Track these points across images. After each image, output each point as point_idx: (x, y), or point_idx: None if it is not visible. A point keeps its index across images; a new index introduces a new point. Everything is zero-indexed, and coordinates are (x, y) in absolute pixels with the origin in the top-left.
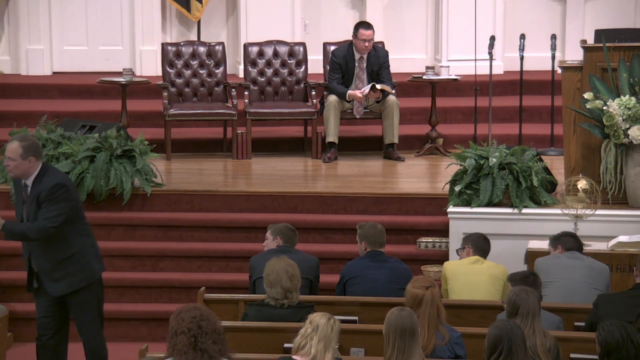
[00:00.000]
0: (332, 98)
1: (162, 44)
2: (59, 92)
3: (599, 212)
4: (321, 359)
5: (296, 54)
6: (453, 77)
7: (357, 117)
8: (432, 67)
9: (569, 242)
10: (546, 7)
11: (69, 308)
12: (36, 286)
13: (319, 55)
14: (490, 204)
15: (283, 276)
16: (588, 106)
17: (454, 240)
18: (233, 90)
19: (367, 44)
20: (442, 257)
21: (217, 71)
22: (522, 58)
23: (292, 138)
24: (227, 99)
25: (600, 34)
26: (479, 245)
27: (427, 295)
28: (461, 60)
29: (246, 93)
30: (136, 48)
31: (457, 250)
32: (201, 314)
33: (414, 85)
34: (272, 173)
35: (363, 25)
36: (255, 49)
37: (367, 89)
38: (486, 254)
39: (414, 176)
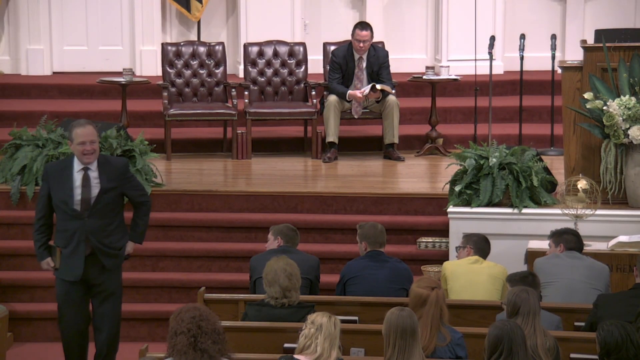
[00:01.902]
0: (332, 98)
1: (162, 44)
2: (59, 92)
3: (599, 212)
4: (327, 357)
5: (296, 54)
6: (453, 77)
7: (355, 117)
8: (432, 67)
9: (571, 241)
10: (546, 7)
11: (99, 301)
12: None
13: (319, 55)
14: (490, 204)
15: (281, 275)
16: (588, 106)
17: (454, 240)
18: (233, 90)
19: (362, 44)
20: (442, 257)
21: (217, 71)
22: (522, 58)
23: (292, 138)
24: (227, 99)
25: (600, 34)
26: (481, 247)
27: (432, 296)
28: (461, 60)
29: (246, 93)
30: (136, 48)
31: (456, 248)
32: (201, 314)
33: (414, 85)
34: (272, 173)
35: (360, 25)
36: (255, 49)
37: (367, 89)
38: (486, 256)
39: (414, 176)
